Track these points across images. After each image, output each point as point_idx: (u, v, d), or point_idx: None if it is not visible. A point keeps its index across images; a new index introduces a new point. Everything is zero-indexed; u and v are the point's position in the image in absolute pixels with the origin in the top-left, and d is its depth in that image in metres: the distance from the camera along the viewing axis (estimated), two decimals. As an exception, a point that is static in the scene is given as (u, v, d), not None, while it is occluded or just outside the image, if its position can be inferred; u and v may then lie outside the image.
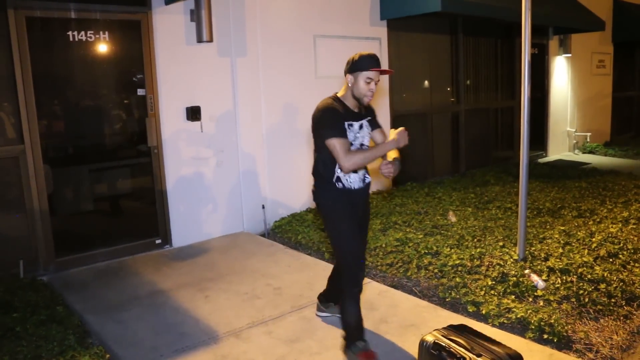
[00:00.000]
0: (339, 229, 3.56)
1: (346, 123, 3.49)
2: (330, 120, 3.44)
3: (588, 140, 12.50)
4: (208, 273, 5.23)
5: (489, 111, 10.25)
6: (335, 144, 3.37)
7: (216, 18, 6.06)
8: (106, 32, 5.55)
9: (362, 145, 3.60)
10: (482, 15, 8.02)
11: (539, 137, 11.57)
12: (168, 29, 5.82)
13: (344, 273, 3.57)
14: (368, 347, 3.54)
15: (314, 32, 6.98)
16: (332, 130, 3.40)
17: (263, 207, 6.58)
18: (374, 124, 3.71)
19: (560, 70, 11.87)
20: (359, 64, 3.44)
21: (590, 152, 12.17)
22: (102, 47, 5.58)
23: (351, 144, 3.50)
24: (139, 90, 5.81)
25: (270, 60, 6.58)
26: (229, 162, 6.38)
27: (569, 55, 11.83)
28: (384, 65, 7.82)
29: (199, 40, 5.92)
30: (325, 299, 4.18)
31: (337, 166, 3.50)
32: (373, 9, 7.70)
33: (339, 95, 3.58)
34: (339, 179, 3.54)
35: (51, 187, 5.36)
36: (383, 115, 7.99)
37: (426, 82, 9.11)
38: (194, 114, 6.01)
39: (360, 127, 3.58)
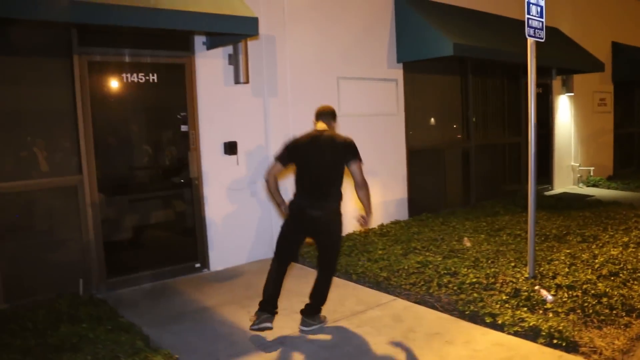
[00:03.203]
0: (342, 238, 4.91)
1: None
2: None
3: (591, 174, 13.06)
4: (246, 292, 5.76)
5: (497, 147, 10.86)
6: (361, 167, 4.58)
7: (250, 61, 6.70)
8: (155, 74, 6.20)
9: None
10: (490, 58, 8.69)
11: (545, 171, 12.13)
12: (209, 71, 6.48)
13: (335, 265, 4.89)
14: None
15: (337, 74, 7.65)
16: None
17: (292, 234, 7.13)
18: None
19: (564, 108, 12.52)
20: None
21: (593, 185, 12.71)
22: (151, 88, 6.23)
23: None
24: (182, 126, 6.43)
25: (298, 100, 7.22)
26: (261, 193, 6.97)
27: (572, 94, 12.48)
28: (400, 103, 8.54)
29: (237, 81, 6.57)
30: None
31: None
32: (390, 52, 8.38)
33: None
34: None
35: (104, 214, 5.94)
36: (399, 151, 8.62)
37: (439, 120, 9.74)
38: (231, 148, 6.62)
39: None
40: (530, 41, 5.31)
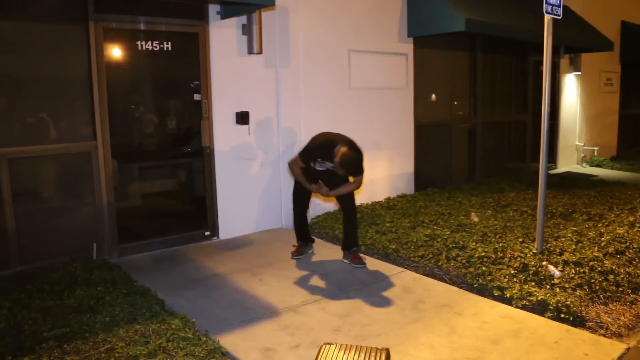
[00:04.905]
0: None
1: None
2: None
3: (595, 154, 13.11)
4: (257, 261, 5.85)
5: (502, 124, 10.88)
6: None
7: (263, 32, 6.70)
8: (169, 43, 6.20)
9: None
10: (500, 35, 8.66)
11: (549, 149, 12.03)
12: (222, 41, 6.48)
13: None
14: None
15: (348, 47, 7.64)
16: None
17: (300, 205, 7.20)
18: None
19: (570, 87, 12.51)
20: None
21: (597, 165, 12.77)
22: (165, 56, 6.23)
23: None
24: (195, 95, 6.45)
25: (310, 72, 7.24)
26: (271, 163, 7.02)
27: (579, 73, 12.45)
28: (410, 77, 8.55)
29: (250, 52, 6.58)
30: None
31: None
32: (401, 26, 8.36)
33: None
34: None
35: (117, 181, 5.99)
36: (407, 125, 8.64)
37: (447, 96, 9.77)
38: (243, 118, 6.65)
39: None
40: (547, 18, 5.32)
